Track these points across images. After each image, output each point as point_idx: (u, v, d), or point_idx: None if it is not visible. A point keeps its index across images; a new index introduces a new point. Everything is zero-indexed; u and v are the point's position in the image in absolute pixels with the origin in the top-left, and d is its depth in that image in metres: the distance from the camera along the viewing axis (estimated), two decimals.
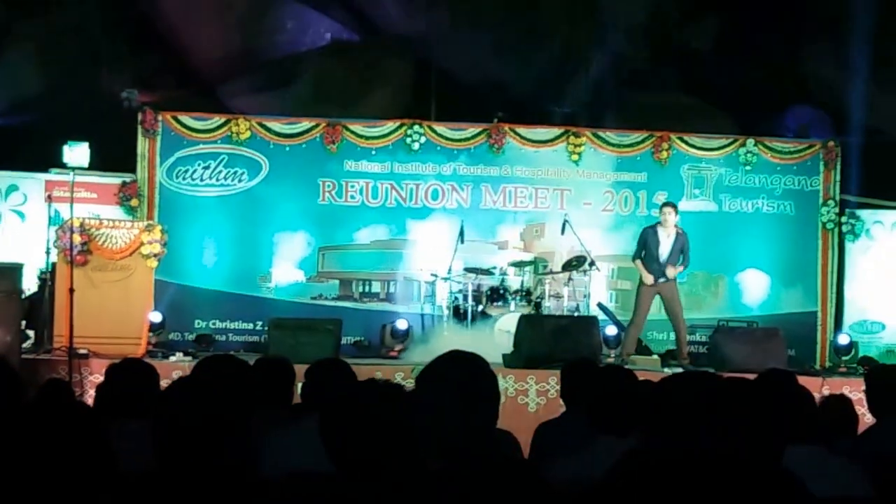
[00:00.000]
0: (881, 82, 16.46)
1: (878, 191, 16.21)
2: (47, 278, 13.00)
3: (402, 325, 14.62)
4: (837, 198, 16.04)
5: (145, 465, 3.48)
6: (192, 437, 3.42)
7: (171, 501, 3.35)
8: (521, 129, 15.84)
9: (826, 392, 11.60)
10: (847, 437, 6.06)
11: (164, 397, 3.60)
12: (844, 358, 14.51)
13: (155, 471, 3.42)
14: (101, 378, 5.66)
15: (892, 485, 4.48)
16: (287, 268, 15.68)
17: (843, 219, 15.92)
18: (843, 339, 14.83)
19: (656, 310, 14.16)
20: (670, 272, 13.75)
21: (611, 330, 14.32)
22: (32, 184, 15.08)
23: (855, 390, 10.54)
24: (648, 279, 13.70)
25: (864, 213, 15.98)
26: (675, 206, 13.97)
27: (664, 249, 13.72)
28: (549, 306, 14.66)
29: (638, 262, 13.91)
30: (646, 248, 13.82)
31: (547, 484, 2.79)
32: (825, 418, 6.62)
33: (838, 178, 16.06)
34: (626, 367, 10.59)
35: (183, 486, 3.35)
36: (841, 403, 6.59)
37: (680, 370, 12.65)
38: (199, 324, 15.35)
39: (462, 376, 3.78)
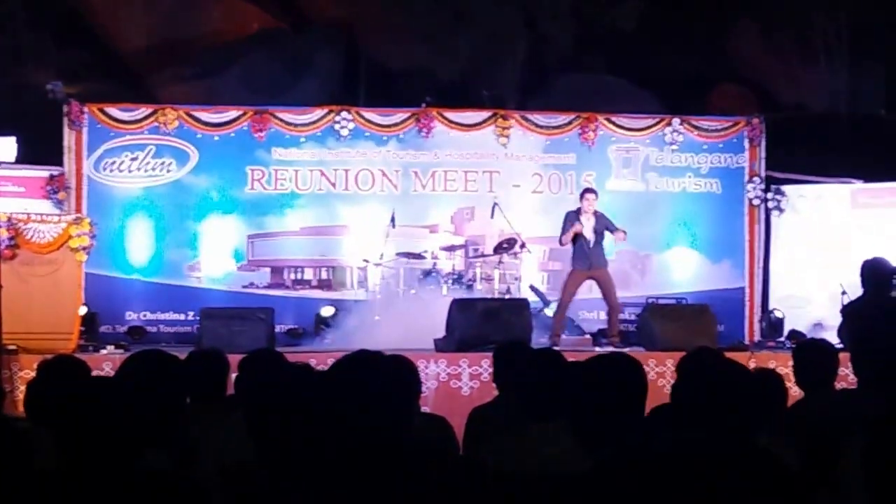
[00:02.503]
0: (804, 59, 16.68)
1: (801, 166, 16.39)
2: None
3: (327, 311, 14.71)
4: (763, 174, 16.20)
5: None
6: (96, 440, 3.37)
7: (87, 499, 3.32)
8: (450, 113, 15.86)
9: (752, 365, 11.77)
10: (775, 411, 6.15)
11: (76, 399, 3.51)
12: (773, 332, 14.74)
13: (60, 469, 3.37)
14: (32, 374, 5.64)
15: (818, 457, 4.57)
16: (217, 257, 15.62)
17: (769, 195, 16.08)
18: (772, 314, 15.07)
19: (587, 290, 14.21)
20: (619, 236, 13.71)
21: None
22: None
23: (782, 365, 10.67)
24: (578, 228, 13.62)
25: (788, 189, 16.15)
26: (596, 192, 13.95)
27: (589, 235, 13.71)
28: (480, 289, 14.71)
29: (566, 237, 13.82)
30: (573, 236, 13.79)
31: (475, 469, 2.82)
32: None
33: (763, 154, 16.22)
34: (557, 348, 10.74)
35: (86, 485, 3.31)
36: (769, 377, 6.69)
37: (611, 349, 12.75)
38: (130, 316, 15.25)
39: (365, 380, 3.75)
